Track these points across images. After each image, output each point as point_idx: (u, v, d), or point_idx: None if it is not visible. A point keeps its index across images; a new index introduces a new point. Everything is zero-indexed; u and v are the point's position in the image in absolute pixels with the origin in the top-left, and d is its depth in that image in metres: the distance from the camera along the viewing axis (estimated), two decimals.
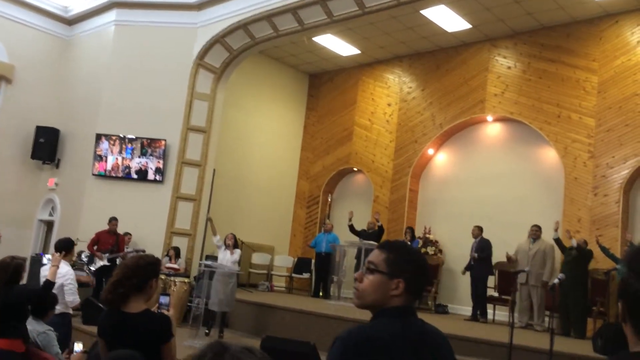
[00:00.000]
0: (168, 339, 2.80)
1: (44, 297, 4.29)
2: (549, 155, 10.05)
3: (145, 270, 2.86)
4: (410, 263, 1.75)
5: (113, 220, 9.10)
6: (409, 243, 1.79)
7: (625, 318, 1.25)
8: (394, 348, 1.60)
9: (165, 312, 3.08)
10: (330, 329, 7.22)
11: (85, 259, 9.22)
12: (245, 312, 8.46)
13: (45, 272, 5.04)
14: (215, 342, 0.97)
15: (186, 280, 8.81)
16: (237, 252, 8.26)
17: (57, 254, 4.70)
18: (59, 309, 4.91)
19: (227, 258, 8.02)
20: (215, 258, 9.67)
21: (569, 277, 7.58)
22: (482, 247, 9.15)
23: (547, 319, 8.38)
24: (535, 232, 8.69)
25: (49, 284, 4.33)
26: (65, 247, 5.04)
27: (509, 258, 8.77)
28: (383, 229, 10.33)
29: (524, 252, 8.63)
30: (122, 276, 2.83)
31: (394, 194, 11.71)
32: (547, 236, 8.79)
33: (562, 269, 8.06)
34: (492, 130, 11.05)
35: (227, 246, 8.18)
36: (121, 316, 2.80)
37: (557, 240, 8.42)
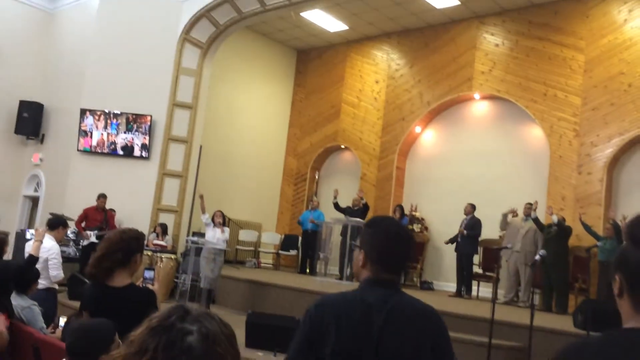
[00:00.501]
0: (152, 312, 2.81)
1: (26, 271, 4.28)
2: (535, 133, 10.10)
3: (129, 245, 2.85)
4: (369, 234, 1.84)
5: (101, 197, 9.02)
6: (393, 218, 1.79)
7: (622, 292, 1.23)
8: (344, 313, 1.72)
9: (150, 287, 3.09)
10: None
11: (71, 236, 9.18)
12: (233, 289, 8.51)
13: (29, 247, 5.03)
14: (178, 305, 0.99)
15: (173, 256, 8.82)
16: (227, 230, 8.25)
17: (41, 229, 4.68)
18: (44, 283, 4.91)
19: (217, 236, 7.98)
20: (202, 235, 9.68)
21: (551, 253, 7.70)
22: (472, 225, 9.21)
23: (531, 295, 8.52)
24: (528, 210, 8.66)
25: (32, 258, 4.32)
26: (55, 224, 5.04)
27: (512, 211, 8.77)
28: (368, 206, 10.36)
29: (515, 229, 8.66)
30: (106, 250, 2.82)
31: (381, 172, 11.74)
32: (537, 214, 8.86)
33: (543, 245, 8.17)
34: (479, 108, 11.08)
35: (215, 224, 8.13)
36: (106, 290, 2.80)
37: (536, 220, 8.48)
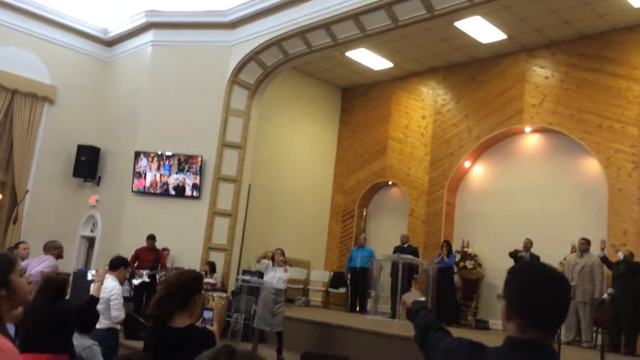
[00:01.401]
0: None
1: (88, 312, 4.35)
2: (591, 166, 9.78)
3: (188, 287, 2.87)
4: (511, 280, 1.54)
5: (150, 239, 9.23)
6: (540, 262, 1.65)
7: None
8: None
9: (209, 327, 3.08)
10: (368, 343, 7.14)
11: (127, 276, 9.35)
12: (283, 327, 8.42)
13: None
14: (225, 345, 1.01)
15: (224, 295, 8.84)
16: (289, 269, 7.72)
17: (102, 270, 4.79)
18: (106, 323, 4.99)
19: (277, 276, 7.38)
20: (252, 273, 9.70)
21: (619, 291, 7.32)
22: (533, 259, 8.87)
23: (594, 335, 8.10)
24: (583, 246, 8.38)
25: (93, 299, 4.41)
26: (116, 265, 5.15)
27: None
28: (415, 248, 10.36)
29: (570, 267, 8.35)
30: (166, 293, 2.85)
31: (430, 207, 11.57)
32: (593, 250, 8.51)
33: (611, 284, 7.78)
34: (531, 141, 10.84)
35: (276, 263, 7.56)
36: (166, 330, 2.82)
37: (604, 258, 8.11)
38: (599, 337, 7.68)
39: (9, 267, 1.83)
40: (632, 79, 9.27)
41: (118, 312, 5.00)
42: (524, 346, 1.45)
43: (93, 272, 6.25)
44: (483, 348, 1.56)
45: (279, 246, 11.97)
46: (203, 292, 8.63)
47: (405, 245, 10.33)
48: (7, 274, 1.81)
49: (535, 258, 8.71)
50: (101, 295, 5.00)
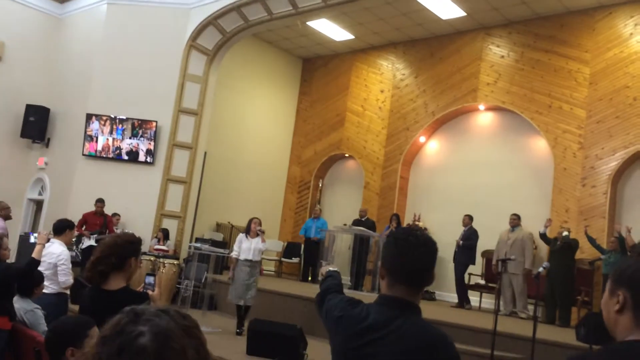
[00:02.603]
0: None
1: (28, 274, 4.29)
2: (540, 145, 10.10)
3: (123, 249, 2.87)
4: (384, 245, 1.78)
5: (99, 202, 9.09)
6: (412, 229, 1.72)
7: (623, 307, 1.23)
8: (347, 316, 1.72)
9: (150, 292, 3.09)
10: (316, 312, 7.28)
11: (73, 239, 9.19)
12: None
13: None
14: (128, 309, 0.98)
15: (175, 262, 8.83)
16: (265, 239, 7.35)
17: (44, 232, 4.70)
18: (54, 288, 4.92)
19: (252, 247, 7.11)
20: (205, 241, 9.70)
21: (556, 266, 7.68)
22: (468, 236, 9.22)
23: (531, 307, 8.48)
24: (514, 221, 8.79)
25: (34, 261, 4.34)
26: (61, 228, 5.04)
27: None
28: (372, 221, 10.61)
29: (503, 241, 8.72)
30: (101, 254, 2.85)
31: (385, 181, 11.74)
32: (530, 225, 8.87)
33: (548, 258, 8.15)
34: (484, 119, 11.08)
35: (252, 232, 7.24)
36: (100, 293, 2.83)
37: (543, 235, 8.44)
38: (536, 309, 8.03)
39: None
40: (582, 61, 9.55)
41: (66, 277, 4.94)
42: (391, 302, 1.62)
43: (36, 234, 6.12)
44: (357, 303, 1.74)
45: (234, 215, 12.03)
46: (154, 258, 8.63)
47: (364, 219, 10.50)
48: None
49: (473, 233, 9.09)
50: (49, 261, 4.93)
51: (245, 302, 7.00)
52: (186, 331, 0.95)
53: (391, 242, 1.70)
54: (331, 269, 2.21)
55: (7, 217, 6.92)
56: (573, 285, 8.11)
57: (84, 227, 8.92)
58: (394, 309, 1.61)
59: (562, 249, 8.11)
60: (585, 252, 8.66)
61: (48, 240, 4.70)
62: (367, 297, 8.21)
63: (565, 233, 8.22)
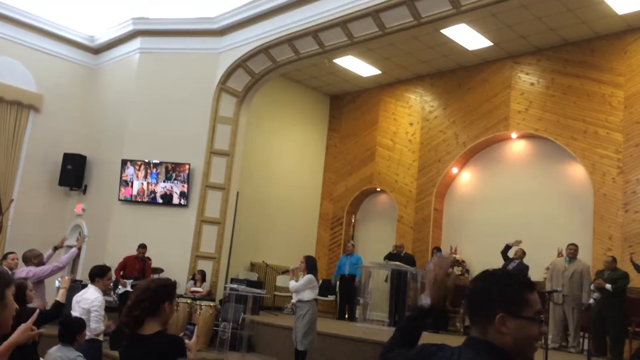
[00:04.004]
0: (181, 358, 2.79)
1: (54, 317, 4.34)
2: (577, 171, 9.87)
3: (156, 293, 2.85)
4: None
5: (141, 247, 9.17)
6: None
7: None
8: None
9: (187, 340, 3.04)
10: (357, 351, 7.12)
11: (111, 285, 9.27)
12: (271, 336, 8.39)
13: (76, 298, 5.08)
14: None
15: (212, 304, 8.78)
16: (305, 277, 6.77)
17: (67, 278, 4.78)
18: (88, 335, 4.92)
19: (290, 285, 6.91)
20: (240, 281, 9.66)
21: (606, 296, 7.37)
22: (520, 271, 8.81)
23: (581, 340, 8.14)
24: (572, 251, 8.37)
25: (58, 304, 4.40)
26: (94, 274, 5.08)
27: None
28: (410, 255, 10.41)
29: (559, 272, 8.33)
30: (135, 299, 2.84)
31: (419, 214, 11.60)
32: (582, 256, 8.56)
33: (597, 289, 7.81)
34: (517, 147, 10.92)
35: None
36: (135, 338, 2.81)
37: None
38: (590, 342, 7.70)
39: (6, 283, 1.98)
40: (615, 85, 9.38)
41: (96, 325, 4.93)
42: (470, 340, 1.58)
43: (59, 279, 6.21)
44: (443, 345, 1.67)
45: (267, 253, 12.00)
46: (191, 301, 8.61)
47: (402, 254, 10.32)
48: (3, 289, 1.95)
49: (524, 268, 8.69)
50: (82, 306, 4.95)
51: (297, 345, 6.64)
52: None
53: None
54: (426, 300, 1.93)
55: (40, 264, 7.03)
56: (624, 315, 7.75)
57: (122, 272, 9.00)
58: (473, 348, 1.55)
59: (612, 279, 7.77)
60: (633, 280, 8.30)
61: (72, 282, 4.79)
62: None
63: (607, 285, 7.75)
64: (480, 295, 1.60)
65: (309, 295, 6.60)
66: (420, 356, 1.67)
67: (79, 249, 6.35)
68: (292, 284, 6.73)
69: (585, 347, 7.96)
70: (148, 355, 2.75)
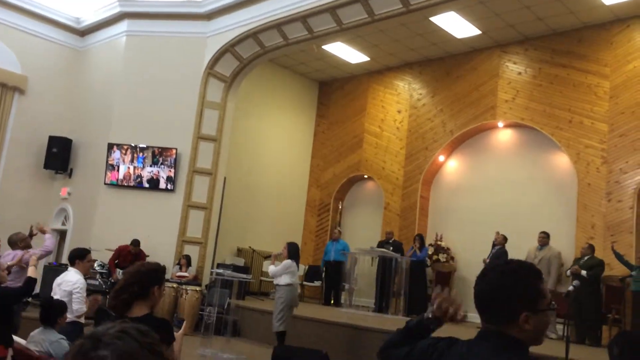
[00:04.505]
0: (168, 343, 2.81)
1: (27, 294, 4.39)
2: (561, 161, 9.97)
3: (146, 277, 2.87)
4: None
5: (134, 245, 9.21)
6: (500, 260, 1.62)
7: None
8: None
9: (176, 333, 3.05)
10: (342, 336, 7.19)
11: (97, 268, 9.26)
12: (256, 321, 8.44)
13: (57, 282, 5.08)
14: (89, 333, 0.98)
15: (197, 288, 8.81)
16: (283, 262, 7.06)
17: (35, 256, 4.88)
18: (69, 317, 4.93)
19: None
20: (226, 266, 9.69)
21: (583, 285, 7.49)
22: (499, 256, 8.95)
23: (561, 326, 8.28)
24: (543, 239, 8.61)
25: (30, 280, 4.47)
26: (73, 257, 5.08)
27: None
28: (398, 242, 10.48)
29: (530, 259, 8.52)
30: (125, 283, 2.85)
31: (405, 201, 11.67)
32: (554, 243, 8.70)
33: (575, 276, 7.96)
34: (503, 136, 11.00)
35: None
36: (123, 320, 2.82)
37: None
38: (568, 329, 7.84)
39: None
40: (601, 75, 9.46)
41: (79, 305, 4.94)
42: (485, 335, 1.58)
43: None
44: (455, 339, 1.68)
45: (254, 239, 12.03)
46: (176, 285, 8.63)
47: (391, 241, 10.41)
48: None
49: (503, 253, 8.86)
50: (64, 289, 4.95)
51: (273, 327, 6.94)
52: (149, 349, 0.96)
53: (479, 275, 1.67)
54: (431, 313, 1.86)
55: (26, 247, 6.99)
56: (600, 302, 7.90)
57: (116, 261, 9.07)
58: (494, 341, 1.54)
59: (588, 267, 7.92)
60: (614, 269, 8.45)
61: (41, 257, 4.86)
62: (393, 319, 8.11)
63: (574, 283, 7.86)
64: (496, 294, 1.58)
65: (285, 279, 6.87)
66: (431, 352, 1.66)
67: (44, 233, 6.39)
68: (271, 269, 7.04)
69: (567, 334, 8.10)
70: None
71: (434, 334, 1.80)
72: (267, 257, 11.44)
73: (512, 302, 1.53)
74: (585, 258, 8.09)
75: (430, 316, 1.86)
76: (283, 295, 6.86)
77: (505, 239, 9.13)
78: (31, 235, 6.89)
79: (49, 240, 6.37)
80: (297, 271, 7.11)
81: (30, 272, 4.57)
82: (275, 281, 7.00)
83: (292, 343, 6.84)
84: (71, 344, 3.45)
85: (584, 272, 7.82)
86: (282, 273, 6.88)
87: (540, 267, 8.12)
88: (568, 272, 8.00)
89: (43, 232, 6.49)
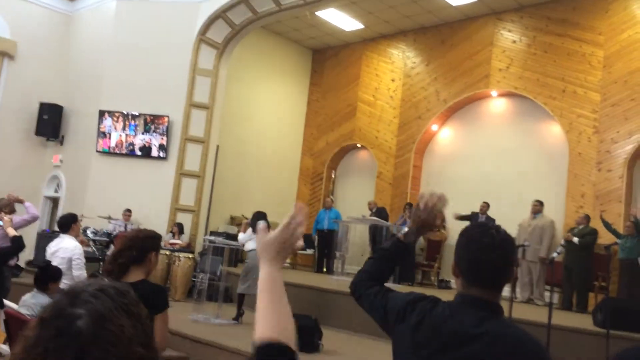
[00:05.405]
0: (162, 308, 2.85)
1: (15, 252, 4.44)
2: (554, 130, 9.98)
3: (144, 242, 2.91)
4: (459, 242, 1.65)
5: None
6: (489, 225, 1.61)
7: None
8: (429, 315, 1.63)
9: None
10: (333, 303, 7.30)
11: (91, 235, 9.30)
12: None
13: (50, 249, 5.10)
14: (67, 290, 0.97)
15: (190, 255, 8.89)
16: (249, 230, 7.45)
17: (7, 217, 4.95)
18: (67, 283, 4.98)
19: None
20: (219, 234, 9.75)
21: (573, 252, 7.62)
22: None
23: (547, 293, 8.42)
24: (536, 207, 8.68)
25: (17, 238, 4.53)
26: (67, 223, 5.10)
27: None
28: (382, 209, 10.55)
29: (524, 228, 8.63)
30: (122, 247, 2.89)
31: (398, 170, 11.70)
32: (546, 212, 8.78)
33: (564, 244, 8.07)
34: (497, 105, 10.98)
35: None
36: None
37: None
38: (552, 295, 7.97)
39: None
40: (596, 44, 9.40)
41: (80, 271, 4.99)
42: (471, 301, 1.56)
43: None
44: (432, 300, 1.66)
45: (247, 207, 12.06)
46: (169, 252, 8.70)
47: (374, 210, 10.48)
48: None
49: (491, 221, 8.97)
50: (62, 256, 4.98)
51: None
52: (125, 309, 0.95)
53: (463, 243, 1.62)
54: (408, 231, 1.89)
55: (11, 213, 6.97)
56: (591, 271, 8.03)
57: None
58: (478, 309, 1.54)
59: (581, 235, 8.02)
60: (602, 237, 8.54)
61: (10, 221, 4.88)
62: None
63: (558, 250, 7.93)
64: (508, 266, 1.59)
65: (250, 245, 7.18)
66: (410, 310, 1.64)
67: (23, 202, 6.31)
68: (240, 236, 7.46)
69: (554, 302, 8.25)
70: None
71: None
72: (239, 224, 11.54)
73: (510, 270, 1.59)
74: (580, 227, 8.18)
75: (406, 230, 1.87)
76: (248, 260, 7.19)
77: (488, 206, 9.37)
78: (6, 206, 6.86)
79: (31, 208, 6.34)
80: None
81: (11, 232, 4.64)
82: (245, 248, 7.37)
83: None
84: None
85: (575, 239, 7.92)
86: (247, 240, 7.24)
87: (533, 236, 8.33)
88: (562, 241, 8.09)
89: (19, 201, 6.39)
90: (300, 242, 1.29)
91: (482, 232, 1.60)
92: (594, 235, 8.08)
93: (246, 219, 7.90)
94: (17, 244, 4.56)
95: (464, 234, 1.65)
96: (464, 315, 1.53)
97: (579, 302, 7.93)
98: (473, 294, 1.56)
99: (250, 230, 7.22)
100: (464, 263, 1.60)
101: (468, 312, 1.53)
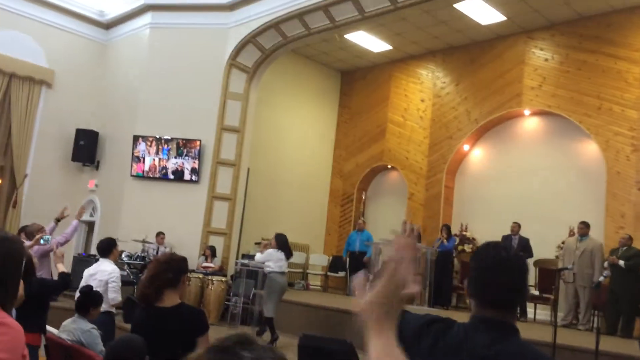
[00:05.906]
0: (204, 331, 2.84)
1: (64, 288, 4.46)
2: (590, 149, 9.77)
3: (179, 265, 2.93)
4: (470, 264, 1.68)
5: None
6: (500, 245, 1.57)
7: None
8: (443, 336, 1.61)
9: None
10: None
11: (125, 259, 9.40)
12: (282, 311, 8.47)
13: (88, 272, 5.17)
14: (242, 333, 1.00)
15: (223, 279, 8.89)
16: (266, 251, 7.53)
17: (59, 251, 5.03)
18: (103, 307, 5.02)
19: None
20: (251, 257, 9.75)
21: (620, 275, 7.38)
22: (524, 246, 8.87)
23: (591, 317, 8.16)
24: (582, 230, 8.39)
25: (65, 275, 4.54)
26: (107, 247, 5.16)
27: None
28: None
29: (571, 251, 8.36)
30: (157, 270, 2.90)
31: (429, 191, 11.58)
32: (594, 233, 8.53)
33: (610, 268, 7.82)
34: (530, 124, 10.81)
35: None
36: (155, 311, 2.84)
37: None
38: (599, 320, 7.72)
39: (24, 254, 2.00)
40: (631, 60, 9.21)
41: (116, 294, 5.03)
42: (484, 322, 1.54)
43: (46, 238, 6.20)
44: (447, 322, 1.65)
45: (278, 230, 12.03)
46: (202, 276, 8.72)
47: None
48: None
49: (524, 241, 8.80)
50: (100, 279, 5.04)
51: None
52: None
53: (474, 264, 1.62)
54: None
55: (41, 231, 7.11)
56: (638, 295, 7.74)
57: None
58: (491, 330, 1.52)
59: (626, 257, 7.76)
60: None
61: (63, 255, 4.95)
62: (418, 310, 8.03)
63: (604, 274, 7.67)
64: (516, 285, 1.59)
65: (269, 267, 7.23)
66: (425, 334, 1.62)
67: (79, 219, 6.54)
68: (257, 256, 7.47)
69: (596, 325, 7.99)
70: (170, 327, 2.79)
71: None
72: (258, 243, 11.53)
73: (525, 293, 1.61)
74: (624, 248, 7.93)
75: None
76: (267, 281, 7.24)
77: (519, 227, 9.24)
78: (59, 219, 7.06)
79: (71, 227, 6.48)
80: (283, 260, 7.30)
81: (60, 268, 4.64)
82: (265, 270, 7.39)
83: (318, 332, 6.86)
84: (102, 334, 3.52)
85: (621, 262, 7.67)
86: (263, 261, 7.25)
87: (582, 259, 8.10)
88: (605, 264, 7.85)
89: (79, 215, 6.63)
90: (416, 287, 1.02)
91: (492, 253, 1.60)
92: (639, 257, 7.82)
93: (266, 240, 7.91)
94: (64, 280, 4.57)
95: (475, 255, 1.68)
96: (477, 336, 1.52)
97: (624, 327, 7.65)
98: (486, 315, 1.55)
99: (268, 251, 7.27)
100: (475, 284, 1.60)
101: (481, 333, 1.52)
